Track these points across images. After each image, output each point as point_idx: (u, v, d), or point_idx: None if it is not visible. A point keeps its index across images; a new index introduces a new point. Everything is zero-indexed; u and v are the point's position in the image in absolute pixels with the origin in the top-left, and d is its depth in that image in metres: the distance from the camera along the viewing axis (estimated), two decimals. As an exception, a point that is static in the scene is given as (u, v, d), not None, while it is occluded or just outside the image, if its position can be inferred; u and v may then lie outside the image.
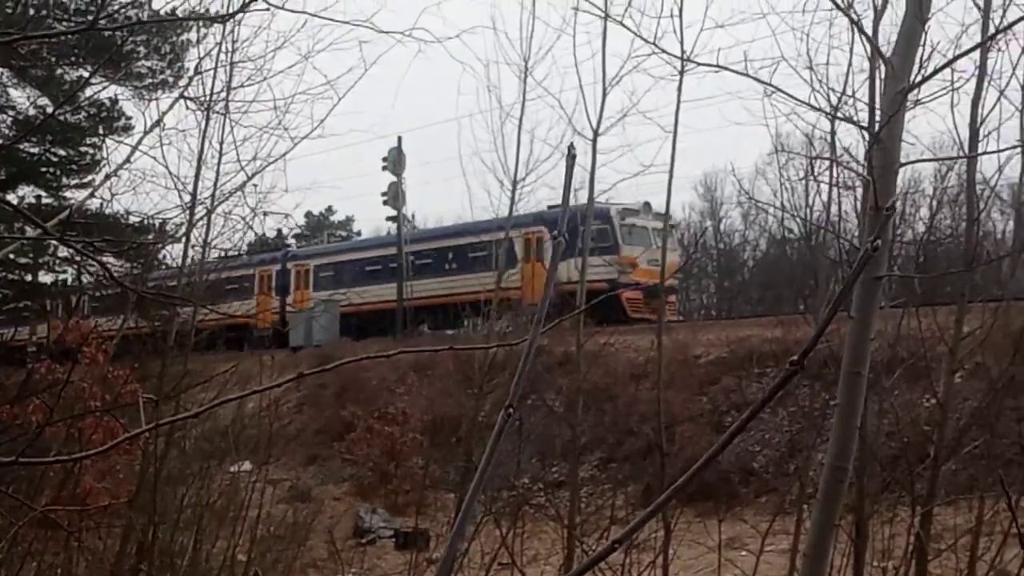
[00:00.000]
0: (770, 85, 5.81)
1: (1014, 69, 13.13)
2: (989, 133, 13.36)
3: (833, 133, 14.07)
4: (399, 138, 42.71)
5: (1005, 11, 12.50)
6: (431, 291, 41.16)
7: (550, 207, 42.03)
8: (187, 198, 14.85)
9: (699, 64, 8.57)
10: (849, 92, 12.65)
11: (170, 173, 14.56)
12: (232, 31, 14.39)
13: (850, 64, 12.99)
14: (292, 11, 6.53)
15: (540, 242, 38.46)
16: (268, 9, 9.24)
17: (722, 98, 14.15)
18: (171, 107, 14.69)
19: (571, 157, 2.52)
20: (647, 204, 36.19)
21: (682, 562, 17.65)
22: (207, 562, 14.83)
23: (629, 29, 10.69)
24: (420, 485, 22.82)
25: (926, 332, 14.01)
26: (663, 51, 8.76)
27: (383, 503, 26.15)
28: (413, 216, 54.29)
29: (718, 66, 5.89)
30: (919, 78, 5.65)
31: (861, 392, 5.43)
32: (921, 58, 7.40)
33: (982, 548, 12.61)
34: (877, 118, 6.65)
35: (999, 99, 13.07)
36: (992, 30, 11.93)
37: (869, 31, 10.07)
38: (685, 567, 18.19)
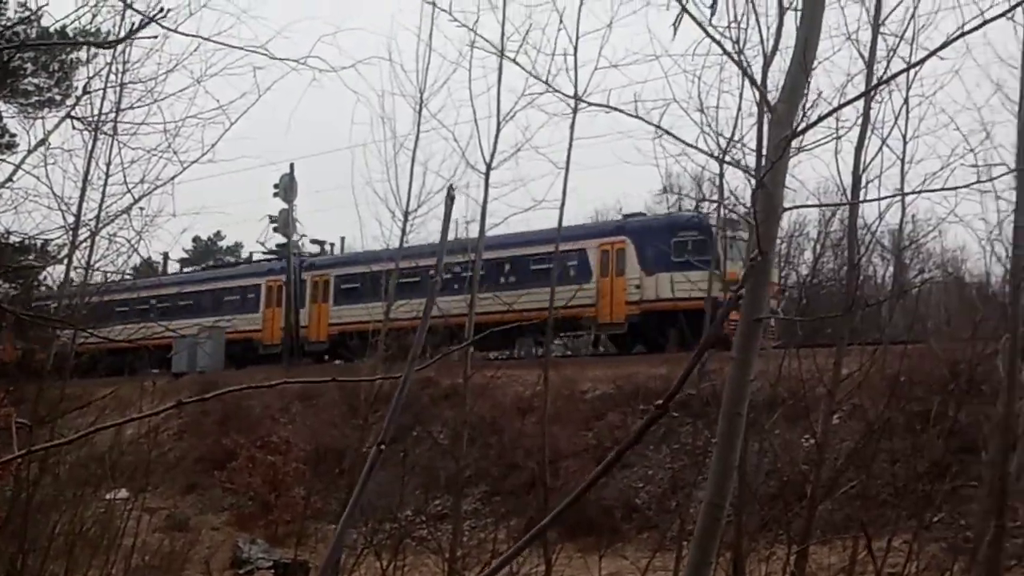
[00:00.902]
0: (659, 127, 5.94)
1: (896, 119, 13.58)
2: (871, 180, 13.78)
3: (721, 175, 14.38)
4: (291, 165, 42.39)
5: (888, 63, 12.95)
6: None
7: (627, 215, 39.46)
8: (71, 219, 14.55)
9: (590, 104, 8.66)
10: (738, 136, 12.97)
11: (54, 194, 14.26)
12: (123, 52, 14.17)
13: (739, 109, 13.32)
14: (185, 34, 6.47)
15: (621, 254, 35.36)
16: (156, 37, 9.15)
17: (614, 136, 14.35)
18: (57, 126, 14.37)
19: (449, 199, 2.55)
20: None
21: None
22: (78, 592, 14.48)
23: (522, 67, 10.81)
24: (301, 516, 22.55)
25: (806, 373, 14.32)
26: (555, 91, 8.83)
27: (263, 534, 25.77)
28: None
29: (609, 107, 5.99)
30: (803, 126, 5.80)
31: (740, 432, 5.53)
32: (806, 106, 7.61)
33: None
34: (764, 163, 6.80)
35: (881, 148, 13.50)
36: (875, 81, 12.34)
37: (760, 76, 10.35)
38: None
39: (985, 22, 6.29)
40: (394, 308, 19.23)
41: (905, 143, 14.07)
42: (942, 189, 13.25)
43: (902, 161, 14.30)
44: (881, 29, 12.85)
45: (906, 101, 13.56)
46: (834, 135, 10.06)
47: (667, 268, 32.93)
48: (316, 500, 23.29)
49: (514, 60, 11.17)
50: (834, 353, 13.52)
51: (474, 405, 19.24)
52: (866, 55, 12.90)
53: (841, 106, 6.52)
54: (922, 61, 10.87)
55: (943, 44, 7.01)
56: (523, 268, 35.32)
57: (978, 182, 13.99)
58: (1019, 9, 11.50)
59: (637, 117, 5.85)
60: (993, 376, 14.12)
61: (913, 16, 12.87)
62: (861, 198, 13.64)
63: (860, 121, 13.00)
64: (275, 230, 43.76)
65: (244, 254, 67.85)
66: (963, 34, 6.15)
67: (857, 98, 9.65)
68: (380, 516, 17.94)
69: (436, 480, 22.55)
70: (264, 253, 47.38)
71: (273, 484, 26.49)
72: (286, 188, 42.55)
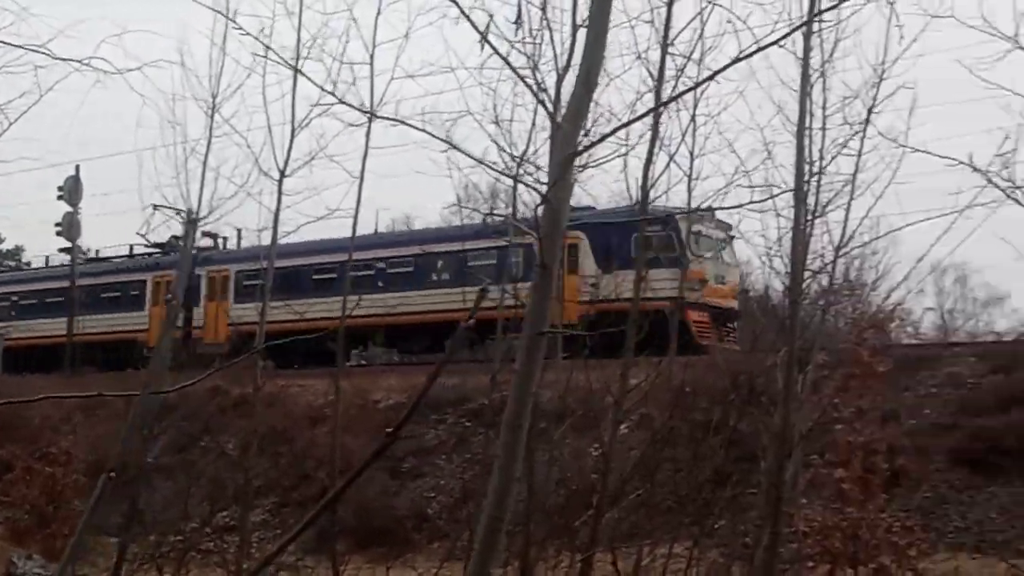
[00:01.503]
0: (446, 141, 5.98)
1: (683, 136, 14.02)
2: (659, 196, 14.19)
3: (515, 188, 14.54)
4: (77, 167, 41.07)
5: (677, 82, 13.36)
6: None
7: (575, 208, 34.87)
8: None
9: (378, 117, 8.67)
10: (533, 150, 13.12)
11: None
12: None
13: (533, 124, 13.45)
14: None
15: (574, 251, 32.48)
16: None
17: (409, 147, 14.31)
18: None
19: (190, 222, 2.51)
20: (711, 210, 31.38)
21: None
22: None
23: (313, 82, 10.70)
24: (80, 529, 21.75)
25: (595, 384, 14.62)
26: (346, 103, 8.78)
27: (40, 548, 24.76)
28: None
29: (398, 120, 5.99)
30: (587, 143, 5.93)
31: (520, 444, 5.61)
32: (596, 122, 7.79)
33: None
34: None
35: (668, 164, 13.91)
36: (665, 98, 12.71)
37: (555, 92, 10.49)
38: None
39: (759, 48, 6.58)
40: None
41: (692, 160, 14.56)
42: (728, 207, 13.75)
43: (689, 178, 14.79)
44: (670, 49, 13.25)
45: (693, 119, 14.01)
46: (619, 152, 10.35)
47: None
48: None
49: (304, 73, 11.07)
50: (622, 365, 13.83)
51: (265, 415, 18.95)
52: (655, 74, 13.29)
53: (625, 124, 6.71)
54: (704, 81, 11.32)
55: (723, 67, 7.30)
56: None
57: (756, 201, 14.58)
58: (797, 35, 12.06)
59: (424, 131, 5.87)
60: (772, 388, 14.66)
61: (700, 37, 13.33)
62: (648, 214, 14.03)
63: (649, 138, 13.40)
64: (58, 234, 42.24)
65: (26, 258, 64.59)
66: (740, 59, 6.43)
67: (642, 116, 9.98)
68: (163, 529, 17.49)
69: (224, 491, 22.13)
70: (147, 246, 43.50)
71: (51, 496, 25.49)
72: (71, 191, 41.24)
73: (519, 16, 6.13)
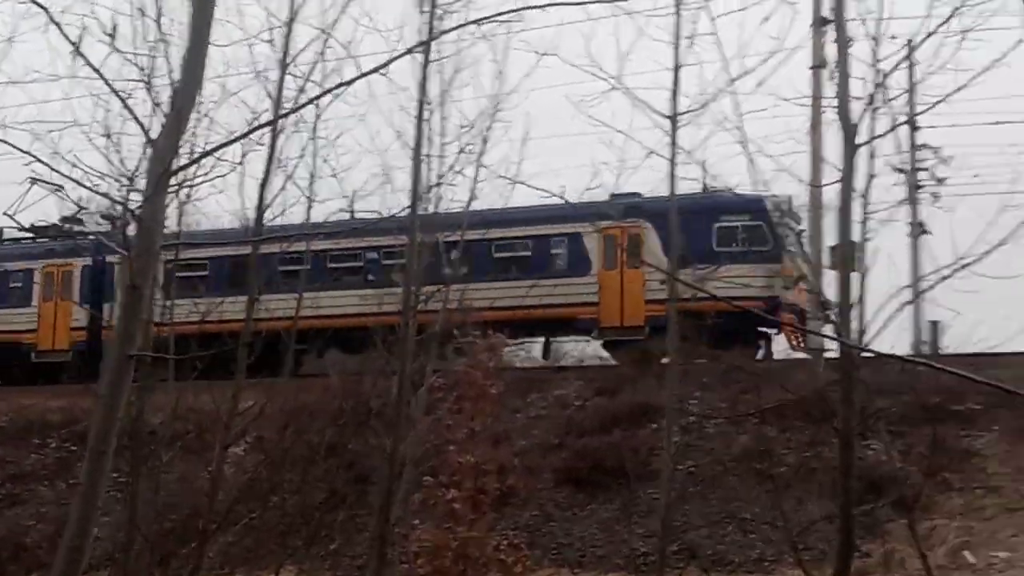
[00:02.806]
0: (30, 154, 5.68)
1: (302, 156, 14.01)
2: (276, 216, 14.12)
3: (125, 203, 14.01)
4: None
5: (297, 102, 13.36)
6: None
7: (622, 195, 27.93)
8: None
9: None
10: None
11: None
12: None
13: (148, 140, 13.02)
14: None
15: (636, 241, 28.01)
16: None
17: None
18: None
19: None
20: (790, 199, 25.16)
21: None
22: None
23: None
24: None
25: (206, 407, 14.33)
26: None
27: None
28: None
29: None
30: (184, 162, 5.82)
31: (105, 471, 5.40)
32: (207, 141, 7.64)
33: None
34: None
35: (285, 184, 13.85)
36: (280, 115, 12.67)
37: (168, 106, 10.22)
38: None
39: (373, 70, 6.70)
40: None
41: (312, 181, 14.57)
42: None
43: (309, 200, 14.77)
44: (289, 69, 13.22)
45: (313, 139, 14.04)
46: (228, 171, 10.19)
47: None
48: None
49: None
50: (232, 386, 13.62)
51: None
52: (274, 93, 13.22)
53: (231, 142, 6.64)
54: (320, 96, 11.43)
55: (339, 84, 7.38)
56: None
57: (378, 220, 14.85)
58: (416, 65, 12.38)
59: (5, 141, 5.58)
60: (388, 410, 14.86)
61: (322, 57, 13.36)
62: (264, 234, 13.94)
63: (266, 156, 13.29)
64: None
65: None
66: (355, 79, 6.53)
67: (253, 130, 9.88)
68: None
69: None
70: (20, 230, 36.44)
71: None
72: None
73: (114, 29, 5.95)
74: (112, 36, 5.85)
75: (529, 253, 28.90)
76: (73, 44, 5.48)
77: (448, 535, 18.65)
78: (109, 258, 30.34)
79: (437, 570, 18.72)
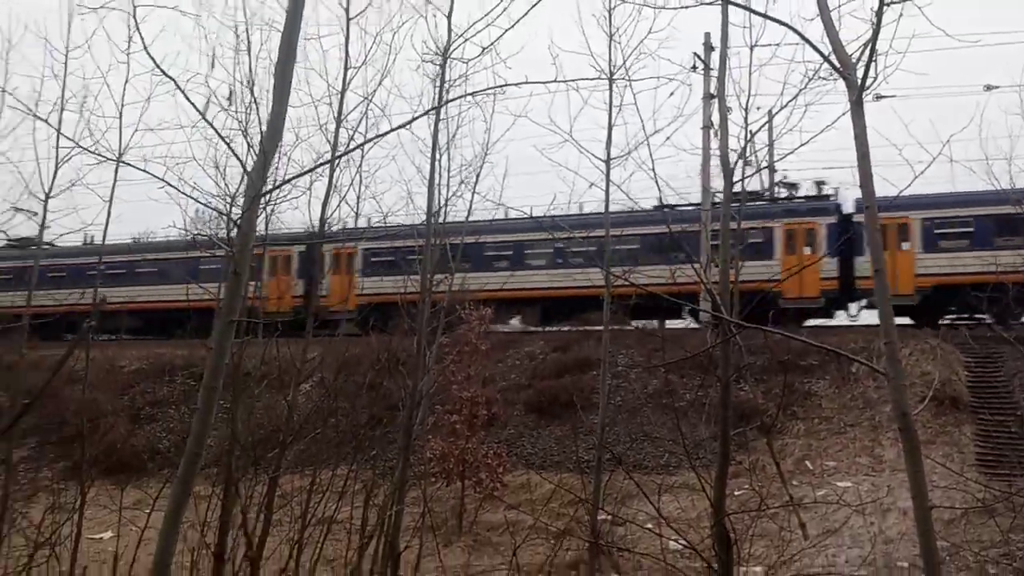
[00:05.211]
0: (163, 179, 5.69)
1: (351, 185, 13.93)
2: (334, 226, 14.02)
3: (229, 215, 13.94)
4: None
5: (347, 146, 13.27)
6: None
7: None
8: None
9: (122, 161, 8.11)
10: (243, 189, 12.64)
11: None
12: None
13: (245, 169, 12.93)
14: None
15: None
16: None
17: (146, 181, 13.47)
18: None
19: None
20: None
21: (98, 519, 16.67)
22: None
23: (69, 138, 9.85)
24: None
25: (284, 357, 14.25)
26: (91, 151, 8.17)
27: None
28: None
29: (135, 166, 5.65)
30: (269, 187, 5.81)
31: (214, 401, 5.39)
32: (286, 172, 7.61)
33: (313, 502, 13.05)
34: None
35: (340, 204, 13.77)
36: (337, 160, 12.57)
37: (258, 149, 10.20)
38: (100, 521, 17.12)
39: (401, 126, 6.67)
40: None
41: (358, 201, 14.51)
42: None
43: (356, 214, 14.69)
44: (343, 124, 13.15)
45: (359, 172, 14.00)
46: (300, 195, 10.23)
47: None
48: None
49: (60, 131, 10.17)
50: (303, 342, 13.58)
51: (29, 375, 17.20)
52: (332, 140, 13.16)
53: (299, 175, 6.67)
54: (360, 145, 11.35)
55: (376, 136, 7.29)
56: None
57: (404, 228, 14.77)
58: (430, 120, 12.30)
59: (144, 171, 5.57)
60: (410, 360, 14.83)
61: (365, 115, 13.30)
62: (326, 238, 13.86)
63: (327, 184, 13.25)
64: None
65: None
66: (386, 133, 6.48)
67: (315, 167, 9.84)
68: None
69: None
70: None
71: None
72: None
73: (231, 95, 5.97)
74: (229, 101, 5.87)
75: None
76: (198, 110, 5.47)
77: (452, 446, 18.76)
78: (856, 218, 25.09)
79: (444, 470, 18.82)
